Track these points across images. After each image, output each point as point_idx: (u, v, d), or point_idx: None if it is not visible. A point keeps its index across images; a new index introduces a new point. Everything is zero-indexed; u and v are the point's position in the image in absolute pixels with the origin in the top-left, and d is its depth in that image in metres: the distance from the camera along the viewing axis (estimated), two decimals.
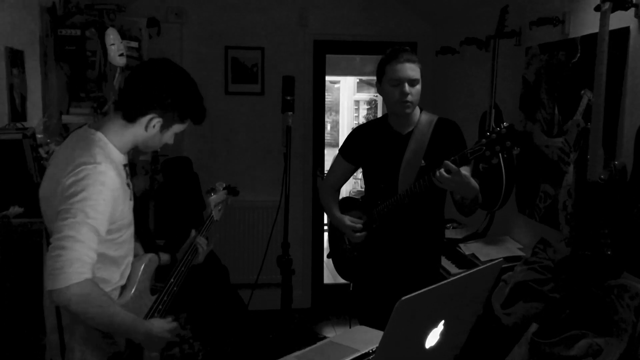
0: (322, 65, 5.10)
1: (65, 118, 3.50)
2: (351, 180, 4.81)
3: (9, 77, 2.88)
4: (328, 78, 5.62)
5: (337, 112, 8.78)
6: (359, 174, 2.99)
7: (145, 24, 4.18)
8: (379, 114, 7.30)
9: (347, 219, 2.79)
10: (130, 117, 1.82)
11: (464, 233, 3.71)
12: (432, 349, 1.40)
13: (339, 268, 3.09)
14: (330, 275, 5.29)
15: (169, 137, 1.90)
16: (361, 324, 2.44)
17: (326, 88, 5.35)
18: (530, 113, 3.25)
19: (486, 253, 3.27)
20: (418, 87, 2.57)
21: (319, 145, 5.19)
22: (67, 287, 1.58)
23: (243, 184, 2.75)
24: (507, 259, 3.02)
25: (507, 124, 2.15)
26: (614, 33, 2.39)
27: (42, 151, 2.76)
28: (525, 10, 3.27)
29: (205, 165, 4.74)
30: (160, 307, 1.95)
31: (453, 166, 2.22)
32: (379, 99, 7.33)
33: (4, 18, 2.90)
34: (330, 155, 5.90)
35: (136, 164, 3.87)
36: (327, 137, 6.58)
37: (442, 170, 2.24)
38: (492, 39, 3.33)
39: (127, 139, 1.85)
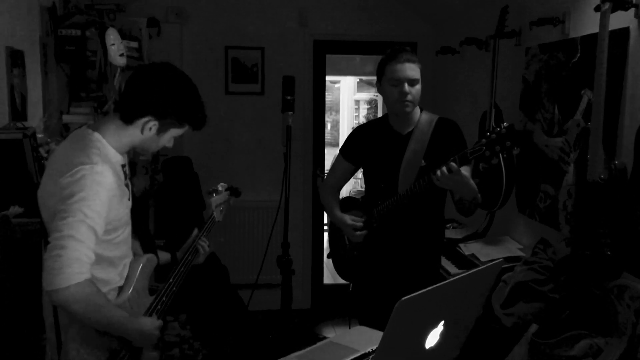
0: (322, 65, 5.10)
1: (66, 118, 3.50)
2: (351, 180, 4.80)
3: (9, 77, 2.88)
4: (328, 78, 5.62)
5: (337, 111, 8.78)
6: (360, 173, 2.99)
7: (145, 24, 4.18)
8: (379, 114, 7.30)
9: (348, 218, 2.79)
10: (127, 119, 1.83)
11: (464, 233, 3.70)
12: (432, 349, 1.40)
13: (339, 268, 3.09)
14: (330, 275, 5.29)
15: (166, 140, 1.91)
16: (361, 324, 2.44)
17: (326, 88, 5.35)
18: (530, 113, 3.24)
19: (486, 253, 3.26)
20: (418, 87, 2.57)
21: (319, 145, 5.18)
22: (66, 288, 1.58)
23: (243, 183, 2.75)
24: (507, 259, 3.01)
25: (507, 124, 2.15)
26: (614, 33, 2.39)
27: (42, 151, 2.76)
28: (525, 10, 3.27)
29: (206, 165, 4.74)
30: (159, 307, 1.95)
31: (454, 165, 2.23)
32: (379, 98, 7.33)
33: (4, 18, 2.90)
34: (330, 155, 5.90)
35: (136, 164, 3.87)
36: (328, 136, 6.57)
37: (442, 168, 2.25)
38: (492, 39, 3.33)
39: (124, 140, 1.85)
